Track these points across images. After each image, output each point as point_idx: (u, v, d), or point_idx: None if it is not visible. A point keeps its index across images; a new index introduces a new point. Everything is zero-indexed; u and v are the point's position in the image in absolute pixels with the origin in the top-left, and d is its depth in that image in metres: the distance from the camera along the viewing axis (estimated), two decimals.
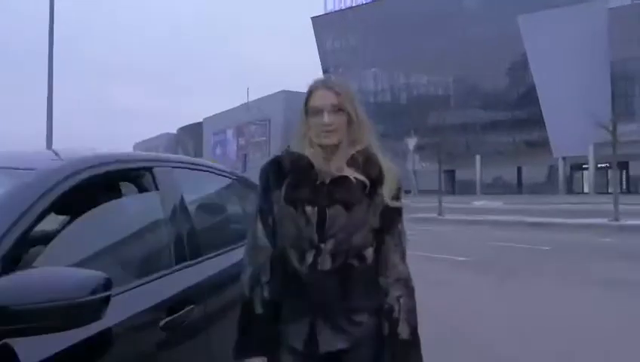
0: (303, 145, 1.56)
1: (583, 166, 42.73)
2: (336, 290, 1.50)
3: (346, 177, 1.52)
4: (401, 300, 1.53)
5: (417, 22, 51.67)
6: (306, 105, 1.56)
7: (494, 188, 48.13)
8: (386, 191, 1.54)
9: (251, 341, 1.54)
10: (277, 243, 1.56)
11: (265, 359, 1.55)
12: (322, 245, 1.50)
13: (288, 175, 1.56)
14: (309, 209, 1.50)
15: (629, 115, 33.15)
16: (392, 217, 1.57)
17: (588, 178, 42.43)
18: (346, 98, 1.54)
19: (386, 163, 1.58)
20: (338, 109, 1.52)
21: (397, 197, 1.57)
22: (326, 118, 1.50)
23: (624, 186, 39.10)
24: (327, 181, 1.52)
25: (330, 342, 1.49)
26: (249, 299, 1.56)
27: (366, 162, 1.54)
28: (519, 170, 49.12)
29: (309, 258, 1.50)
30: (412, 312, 1.54)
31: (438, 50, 50.47)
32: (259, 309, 1.55)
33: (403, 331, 1.52)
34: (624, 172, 39.76)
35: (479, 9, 48.37)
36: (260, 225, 1.59)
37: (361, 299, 1.53)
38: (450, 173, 50.98)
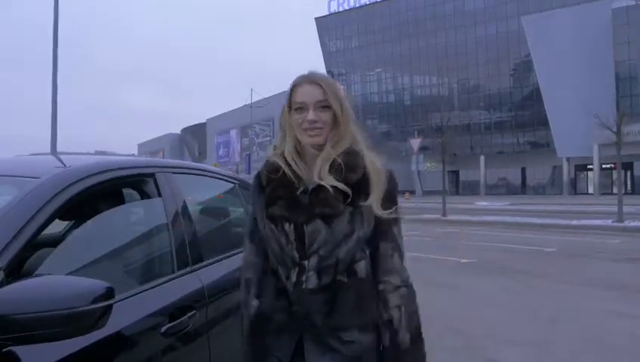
0: (284, 148, 1.47)
1: (588, 167, 42.58)
2: (323, 309, 1.40)
3: (325, 187, 1.39)
4: (402, 309, 1.44)
5: (421, 22, 51.66)
6: (289, 101, 1.45)
7: (498, 189, 48.07)
8: (375, 196, 1.41)
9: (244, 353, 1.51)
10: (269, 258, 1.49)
11: None
12: (305, 262, 1.40)
13: (266, 189, 1.47)
14: (287, 226, 1.41)
15: (633, 115, 33.14)
16: (385, 223, 1.45)
17: (592, 179, 42.28)
18: (333, 94, 1.42)
19: (374, 164, 1.45)
20: (324, 106, 1.41)
21: (389, 200, 1.45)
22: (311, 114, 1.40)
23: (629, 187, 38.97)
24: (310, 188, 1.41)
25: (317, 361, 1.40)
26: (242, 313, 1.53)
27: (348, 165, 1.41)
28: (523, 170, 49.00)
29: (293, 276, 1.41)
30: (414, 316, 1.46)
31: (442, 51, 50.44)
32: (246, 323, 1.51)
33: (404, 341, 1.43)
34: (629, 172, 39.64)
35: (483, 10, 48.30)
36: (247, 242, 1.55)
37: (350, 316, 1.42)
38: (455, 174, 50.92)
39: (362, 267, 1.45)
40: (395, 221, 1.48)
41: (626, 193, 25.75)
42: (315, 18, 60.42)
